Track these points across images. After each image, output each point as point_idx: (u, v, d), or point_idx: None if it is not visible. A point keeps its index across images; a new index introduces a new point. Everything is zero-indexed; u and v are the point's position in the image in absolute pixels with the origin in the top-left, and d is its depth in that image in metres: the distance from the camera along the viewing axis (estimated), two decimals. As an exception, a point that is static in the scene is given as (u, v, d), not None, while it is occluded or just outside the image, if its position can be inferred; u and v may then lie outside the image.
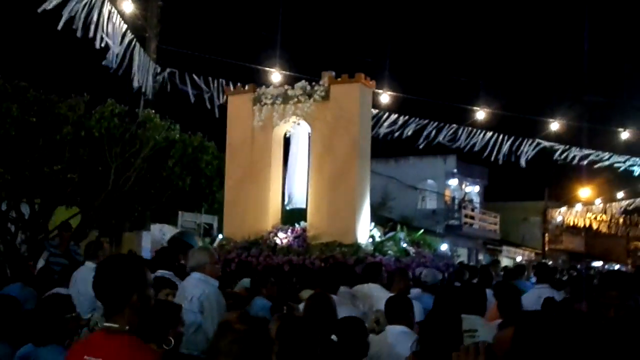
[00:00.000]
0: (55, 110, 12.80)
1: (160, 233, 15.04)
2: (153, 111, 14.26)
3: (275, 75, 14.67)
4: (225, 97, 13.21)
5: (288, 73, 14.62)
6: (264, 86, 12.14)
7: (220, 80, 14.62)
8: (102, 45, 11.96)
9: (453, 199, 37.31)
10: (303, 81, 11.47)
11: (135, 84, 12.90)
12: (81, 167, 12.83)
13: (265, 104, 11.61)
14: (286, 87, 11.60)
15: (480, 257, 35.49)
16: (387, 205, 29.35)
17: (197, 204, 16.20)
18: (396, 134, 16.03)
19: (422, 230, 14.40)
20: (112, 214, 14.42)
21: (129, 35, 12.08)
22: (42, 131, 12.43)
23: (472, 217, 36.43)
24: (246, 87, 12.17)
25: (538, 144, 18.18)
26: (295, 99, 11.33)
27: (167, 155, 13.99)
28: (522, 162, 18.17)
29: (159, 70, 14.10)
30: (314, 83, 11.32)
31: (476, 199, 39.71)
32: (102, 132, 12.90)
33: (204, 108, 14.57)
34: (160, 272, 6.11)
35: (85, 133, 12.81)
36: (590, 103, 21.54)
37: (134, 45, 12.99)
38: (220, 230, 16.36)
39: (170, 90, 13.92)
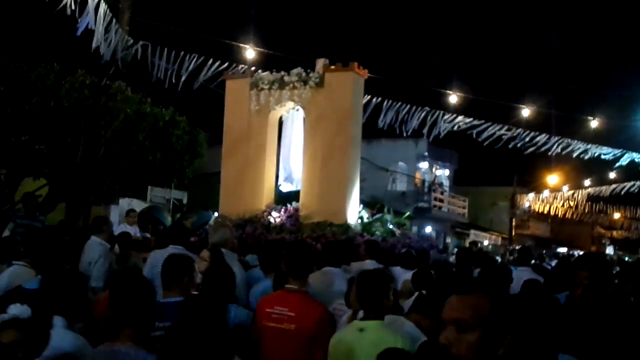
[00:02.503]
0: (24, 80, 12.59)
1: (128, 207, 14.92)
2: (124, 84, 14.10)
3: (250, 52, 14.60)
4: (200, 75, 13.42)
5: (279, 54, 14.62)
6: (260, 71, 12.76)
7: (193, 55, 14.46)
8: (73, 12, 11.76)
9: (423, 181, 37.60)
10: (299, 68, 12.03)
11: (103, 51, 12.72)
12: (50, 138, 12.66)
13: (262, 89, 12.23)
14: (282, 73, 12.02)
15: (448, 240, 35.87)
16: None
17: (167, 179, 16.12)
18: (367, 115, 16.08)
19: (407, 213, 14.98)
20: (81, 187, 14.27)
21: (102, 5, 11.87)
22: (10, 100, 12.23)
23: (442, 200, 36.75)
24: (243, 72, 12.90)
25: (508, 129, 18.35)
26: (291, 85, 11.99)
27: (138, 129, 13.85)
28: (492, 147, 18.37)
29: (131, 42, 13.90)
30: (309, 70, 11.84)
31: (446, 183, 40.06)
32: (72, 103, 12.73)
33: (177, 83, 14.40)
34: (171, 248, 6.18)
35: (54, 103, 12.64)
36: (561, 91, 21.79)
37: (107, 15, 12.79)
38: (190, 206, 16.35)
39: (142, 63, 13.75)
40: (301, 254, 4.68)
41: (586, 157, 20.23)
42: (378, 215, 12.56)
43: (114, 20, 13.05)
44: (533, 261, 10.75)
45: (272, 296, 4.71)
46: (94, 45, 11.98)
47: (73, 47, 13.84)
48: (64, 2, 11.17)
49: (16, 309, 3.05)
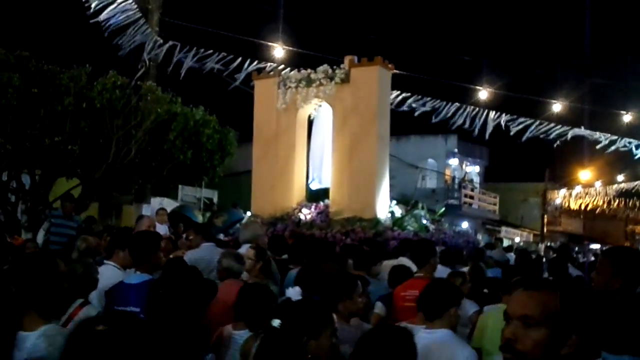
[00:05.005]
0: (56, 81, 12.76)
1: (159, 206, 15.05)
2: (155, 84, 14.21)
3: (277, 51, 14.60)
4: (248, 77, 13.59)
5: (307, 52, 14.68)
6: (288, 69, 12.82)
7: (221, 54, 14.52)
8: (105, 16, 11.92)
9: (453, 178, 37.30)
10: (325, 65, 11.99)
11: (133, 52, 12.86)
12: (82, 138, 12.81)
13: (290, 87, 12.32)
14: (309, 70, 12.03)
15: (479, 237, 35.56)
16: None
17: (197, 178, 16.23)
18: (396, 111, 16.00)
19: (442, 209, 14.95)
20: (113, 187, 14.43)
21: (133, 6, 11.98)
22: (44, 102, 12.39)
23: (472, 197, 36.41)
24: (271, 72, 12.90)
25: (540, 124, 18.11)
26: (318, 82, 12.05)
27: (169, 129, 13.96)
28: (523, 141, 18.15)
29: (161, 42, 13.99)
30: (335, 66, 11.90)
31: (476, 179, 39.70)
32: (104, 104, 12.87)
33: (207, 82, 14.50)
34: (205, 245, 6.34)
35: (86, 104, 12.78)
36: (593, 84, 21.45)
37: (137, 16, 12.92)
38: (220, 205, 16.43)
39: (171, 63, 13.83)
40: (425, 248, 5.84)
41: (619, 151, 19.89)
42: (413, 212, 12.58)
43: (142, 20, 13.17)
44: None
45: (405, 283, 5.61)
46: (113, 38, 12.04)
47: (104, 48, 13.99)
48: (92, 3, 11.31)
49: None
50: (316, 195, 12.49)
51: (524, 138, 17.86)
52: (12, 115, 12.00)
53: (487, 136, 17.49)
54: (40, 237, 10.43)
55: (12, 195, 13.40)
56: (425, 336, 3.76)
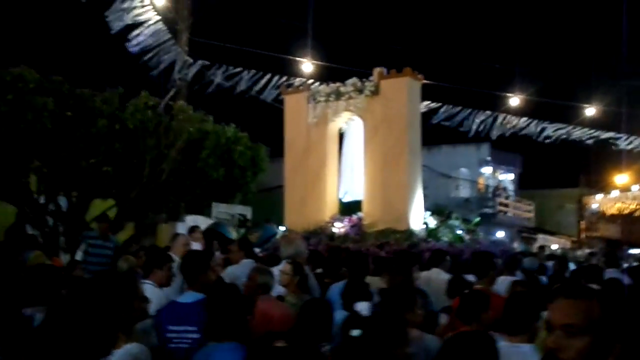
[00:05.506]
0: (90, 104, 12.95)
1: (193, 224, 15.09)
2: (186, 103, 14.35)
3: (306, 66, 14.67)
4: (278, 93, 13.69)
5: (336, 66, 14.77)
6: (317, 83, 13.00)
7: (250, 70, 14.62)
8: (135, 38, 12.09)
9: (487, 187, 36.92)
10: (354, 78, 11.97)
11: (163, 74, 13.04)
12: (116, 159, 12.96)
13: (319, 101, 12.28)
14: (338, 84, 12.06)
15: (516, 245, 35.09)
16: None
17: (230, 194, 16.28)
18: (426, 121, 15.92)
19: (477, 219, 14.84)
20: (147, 206, 14.55)
21: (162, 28, 12.15)
22: (78, 125, 12.58)
23: (506, 205, 36.00)
24: (300, 87, 13.11)
25: (573, 129, 17.87)
26: (347, 95, 12.04)
27: (201, 147, 14.08)
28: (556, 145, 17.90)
29: (191, 61, 14.15)
30: (364, 79, 11.87)
31: (510, 187, 39.25)
32: (137, 125, 13.01)
33: (237, 99, 14.62)
34: (245, 262, 6.56)
35: (119, 126, 12.94)
36: (629, 87, 21.09)
37: (166, 37, 13.09)
38: (254, 221, 16.47)
39: (203, 82, 13.99)
40: (485, 260, 6.00)
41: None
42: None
43: (171, 41, 13.34)
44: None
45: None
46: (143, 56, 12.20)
47: (135, 69, 14.19)
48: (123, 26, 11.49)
49: None
50: (348, 208, 12.47)
51: (556, 142, 17.66)
52: (47, 138, 12.21)
53: (519, 143, 17.30)
54: (78, 258, 10.53)
55: (49, 218, 13.59)
56: (511, 350, 3.69)
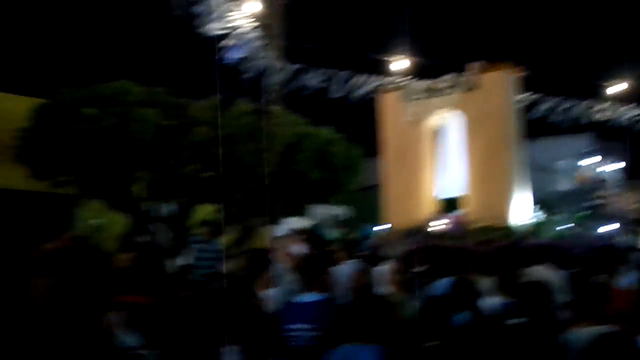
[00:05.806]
0: (189, 113, 13.32)
1: (293, 226, 15.27)
2: (281, 107, 14.52)
3: (400, 64, 14.50)
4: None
5: (430, 63, 14.55)
6: (411, 81, 12.62)
7: (344, 71, 14.60)
8: (229, 43, 12.31)
9: (591, 179, 35.46)
10: (451, 73, 11.82)
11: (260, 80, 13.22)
12: (216, 165, 13.25)
13: (414, 99, 12.00)
14: (433, 80, 11.93)
15: (624, 238, 33.51)
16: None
17: (328, 195, 16.36)
18: (527, 114, 15.39)
19: (583, 213, 14.37)
20: (248, 210, 14.82)
21: (256, 34, 12.33)
22: (180, 133, 12.97)
23: (612, 197, 34.44)
24: (394, 86, 13.11)
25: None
26: (443, 91, 11.75)
27: (298, 150, 14.20)
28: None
29: (285, 66, 14.31)
30: (460, 74, 11.65)
31: (616, 178, 37.53)
32: (235, 131, 13.27)
33: (330, 100, 14.65)
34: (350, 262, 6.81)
35: (219, 132, 13.22)
36: None
37: (260, 43, 13.27)
38: (350, 221, 16.50)
39: (298, 85, 14.12)
40: (609, 254, 6.01)
41: None
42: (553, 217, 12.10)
43: (267, 46, 13.52)
44: None
45: None
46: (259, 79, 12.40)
47: (230, 76, 14.46)
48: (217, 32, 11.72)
49: None
50: (447, 206, 12.30)
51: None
52: (151, 148, 12.64)
53: (627, 133, 16.52)
54: (185, 263, 10.83)
55: (155, 225, 14.07)
56: None
